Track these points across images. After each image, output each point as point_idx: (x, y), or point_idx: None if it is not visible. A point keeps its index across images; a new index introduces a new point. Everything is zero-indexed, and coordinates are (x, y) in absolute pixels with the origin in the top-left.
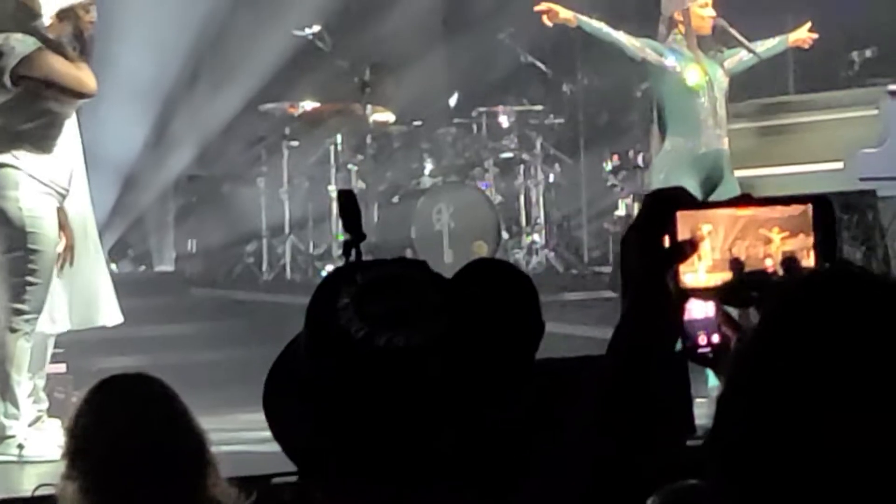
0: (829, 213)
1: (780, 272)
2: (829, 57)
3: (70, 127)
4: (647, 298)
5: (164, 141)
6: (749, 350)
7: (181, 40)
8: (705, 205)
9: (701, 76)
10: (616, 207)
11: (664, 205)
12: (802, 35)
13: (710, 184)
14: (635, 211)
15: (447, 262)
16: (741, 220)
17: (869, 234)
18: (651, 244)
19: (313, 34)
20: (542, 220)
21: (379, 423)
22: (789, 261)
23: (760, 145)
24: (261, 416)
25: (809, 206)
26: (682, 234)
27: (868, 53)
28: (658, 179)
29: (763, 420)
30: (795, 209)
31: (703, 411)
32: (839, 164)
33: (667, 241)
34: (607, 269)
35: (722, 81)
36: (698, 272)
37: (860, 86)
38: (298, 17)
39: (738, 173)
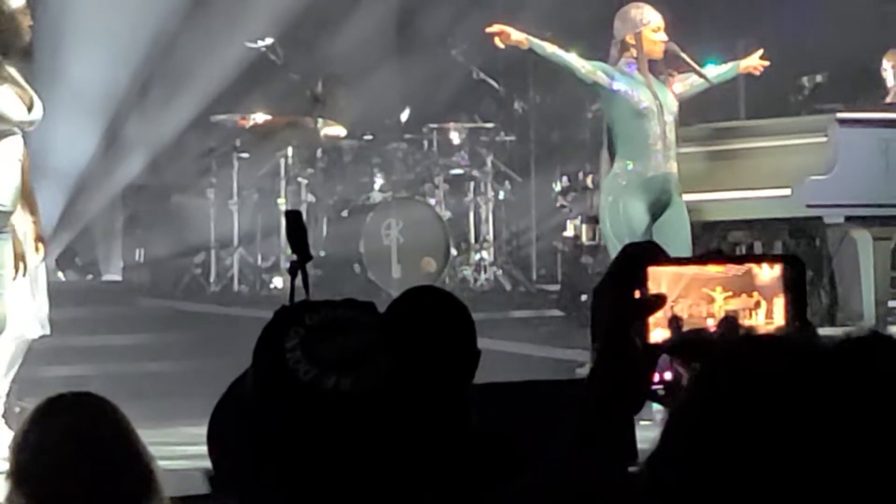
0: (800, 274)
1: (719, 331)
2: (779, 82)
3: (14, 142)
4: (613, 352)
5: (113, 150)
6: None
7: (133, 50)
8: (677, 261)
9: (651, 100)
10: (565, 228)
11: (636, 259)
12: (754, 62)
13: (659, 207)
14: (583, 232)
15: (395, 278)
16: (684, 278)
17: (815, 261)
18: (621, 297)
19: (266, 46)
20: (490, 237)
21: (324, 465)
22: (728, 321)
23: (710, 169)
24: (204, 431)
25: (778, 266)
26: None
27: (819, 79)
28: (607, 202)
29: (689, 486)
30: (740, 269)
31: (646, 434)
32: (787, 191)
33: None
34: (555, 288)
35: (672, 106)
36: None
37: (810, 111)
38: (252, 29)
39: (688, 197)
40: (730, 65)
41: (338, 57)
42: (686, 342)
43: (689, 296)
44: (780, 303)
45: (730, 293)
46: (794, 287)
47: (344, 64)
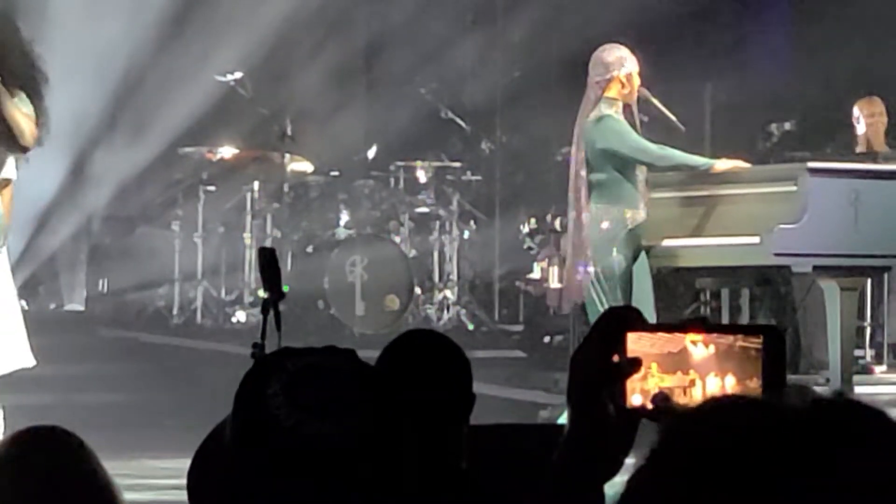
0: (779, 345)
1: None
2: (747, 128)
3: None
4: (588, 416)
5: (80, 180)
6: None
7: (103, 82)
8: (658, 327)
9: None
10: (531, 270)
11: (617, 325)
12: (729, 165)
13: (636, 256)
14: (550, 275)
15: (359, 315)
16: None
17: (781, 310)
18: (600, 361)
19: (235, 80)
20: (455, 276)
21: None
22: (661, 398)
23: (680, 215)
24: (167, 464)
25: (713, 345)
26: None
27: (787, 126)
28: (617, 253)
29: None
30: (675, 346)
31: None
32: (756, 239)
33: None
34: (517, 328)
35: None
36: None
37: (778, 158)
38: (221, 63)
39: (655, 243)
40: (709, 160)
41: (306, 93)
42: (666, 409)
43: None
44: (715, 381)
45: (664, 371)
46: (774, 358)
47: (312, 100)
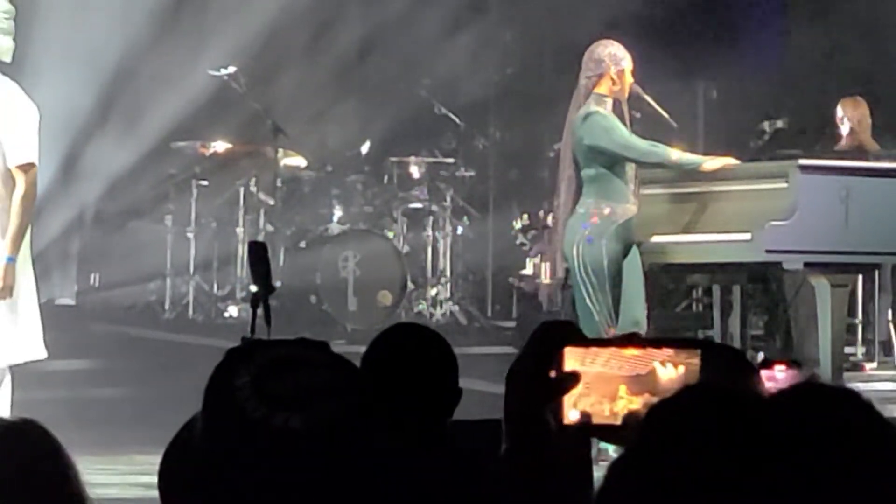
0: (716, 360)
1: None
2: (739, 126)
3: None
4: (526, 433)
5: (71, 174)
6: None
7: (95, 76)
8: (594, 342)
9: None
10: (523, 266)
11: (555, 338)
12: (718, 163)
13: (626, 252)
14: (542, 271)
15: (351, 310)
16: (588, 376)
17: (771, 306)
18: (537, 376)
19: (229, 75)
20: (447, 272)
21: (274, 502)
22: (632, 418)
23: (671, 212)
24: (158, 459)
25: (682, 366)
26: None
27: (779, 124)
28: (586, 241)
29: None
30: (643, 368)
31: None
32: (747, 235)
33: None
34: (510, 324)
35: None
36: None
37: (770, 156)
38: (214, 58)
39: (647, 239)
40: (698, 158)
41: (300, 87)
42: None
43: (592, 394)
44: None
45: (633, 393)
46: (711, 373)
47: (306, 95)
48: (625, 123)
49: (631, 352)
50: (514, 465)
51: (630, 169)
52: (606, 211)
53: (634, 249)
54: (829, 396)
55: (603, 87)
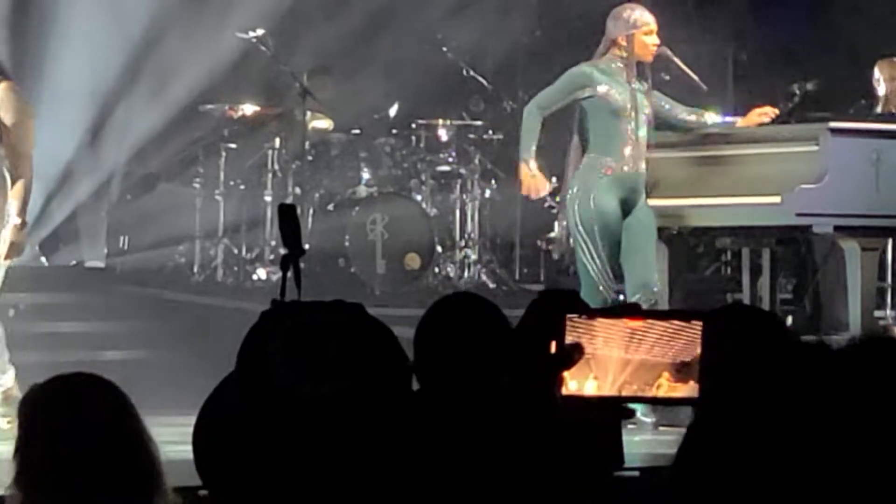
0: (716, 331)
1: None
2: (769, 88)
3: None
4: (530, 406)
5: (100, 137)
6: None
7: (122, 40)
8: (595, 312)
9: (629, 100)
10: (552, 229)
11: (554, 308)
12: (753, 119)
13: (629, 205)
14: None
15: (379, 273)
16: (631, 365)
17: (800, 269)
18: (540, 348)
19: (256, 37)
20: (475, 235)
21: (303, 469)
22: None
23: (700, 175)
24: (186, 421)
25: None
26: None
27: (809, 86)
28: (576, 194)
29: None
30: (688, 355)
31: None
32: (777, 198)
33: (553, 347)
34: (538, 288)
35: (646, 109)
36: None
37: (800, 118)
38: (243, 20)
39: (678, 202)
40: (730, 119)
41: (328, 50)
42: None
43: (635, 382)
44: None
45: (676, 380)
46: (711, 345)
47: (334, 57)
48: (646, 86)
49: (634, 355)
50: (520, 437)
51: (627, 122)
52: (597, 165)
53: (644, 210)
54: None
55: (609, 51)
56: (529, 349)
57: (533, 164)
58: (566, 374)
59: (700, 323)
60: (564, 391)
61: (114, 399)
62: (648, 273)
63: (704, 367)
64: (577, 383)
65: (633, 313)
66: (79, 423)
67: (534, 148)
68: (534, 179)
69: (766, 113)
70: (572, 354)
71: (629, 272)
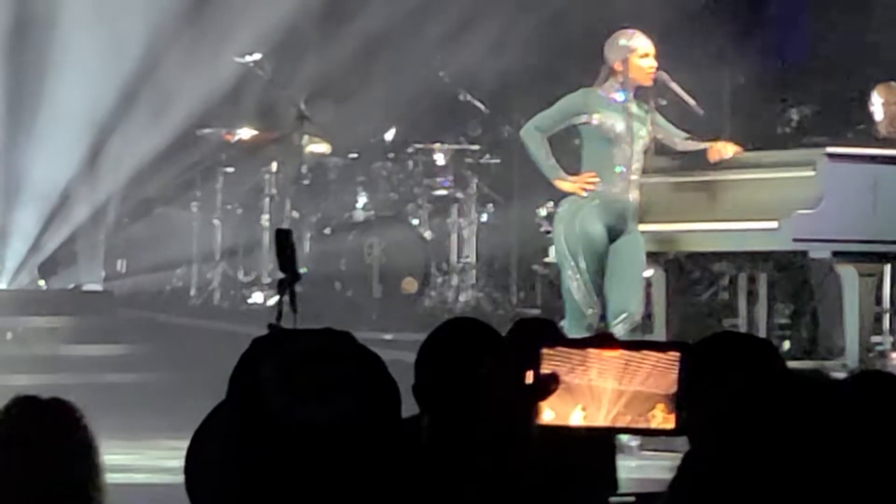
0: (700, 361)
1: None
2: (767, 113)
3: None
4: (507, 435)
5: (98, 161)
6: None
7: (118, 64)
8: (571, 342)
9: (625, 128)
10: (547, 253)
11: (530, 339)
12: (725, 150)
13: (616, 232)
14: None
15: (376, 297)
16: (625, 396)
17: (797, 295)
18: (515, 381)
19: (254, 62)
20: (472, 259)
21: (296, 496)
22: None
23: (698, 199)
24: (183, 444)
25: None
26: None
27: (807, 111)
28: (563, 217)
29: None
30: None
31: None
32: (774, 224)
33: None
34: (534, 312)
35: (644, 137)
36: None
37: (798, 143)
38: (240, 44)
39: (676, 227)
40: (704, 144)
41: (325, 74)
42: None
43: (629, 413)
44: None
45: (670, 412)
46: (693, 374)
47: (330, 82)
48: (645, 109)
49: (627, 386)
50: (495, 465)
51: (621, 149)
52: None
53: (633, 236)
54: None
55: (610, 78)
56: (505, 380)
57: (565, 175)
58: (543, 403)
59: (677, 353)
60: (541, 421)
61: (71, 421)
62: (630, 299)
63: (682, 396)
64: (556, 413)
65: (608, 344)
66: (25, 448)
67: (553, 162)
68: (578, 181)
69: (725, 150)
70: (548, 385)
71: (611, 297)
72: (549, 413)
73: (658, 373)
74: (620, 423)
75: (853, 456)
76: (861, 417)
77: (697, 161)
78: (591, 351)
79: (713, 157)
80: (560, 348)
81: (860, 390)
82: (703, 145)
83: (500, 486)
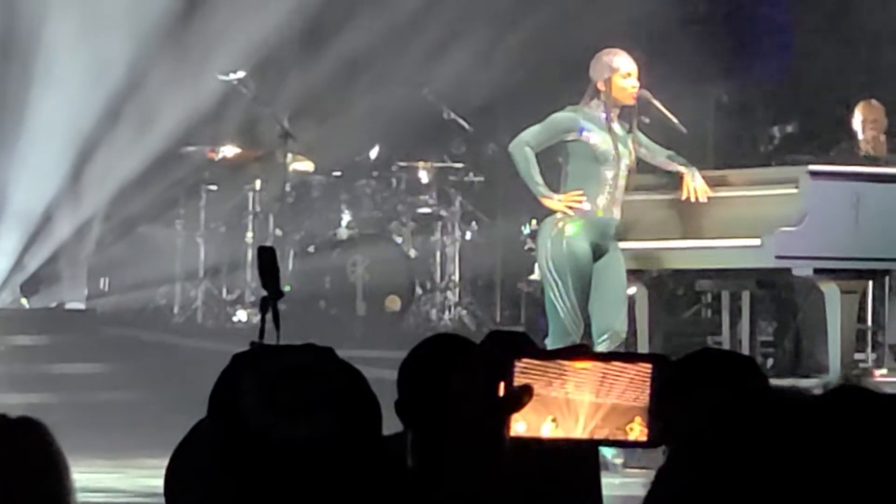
0: (665, 373)
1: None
2: (749, 131)
3: None
4: (476, 450)
5: (82, 179)
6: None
7: (102, 82)
8: (546, 354)
9: (610, 146)
10: (532, 271)
11: (503, 352)
12: (695, 186)
13: (600, 251)
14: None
15: (360, 315)
16: (602, 409)
17: (780, 312)
18: (487, 393)
19: (238, 80)
20: (456, 277)
21: None
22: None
23: (681, 217)
24: (165, 463)
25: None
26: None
27: (789, 129)
28: (549, 235)
29: None
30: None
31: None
32: (757, 241)
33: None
34: (519, 329)
35: (628, 155)
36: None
37: (780, 161)
38: (223, 62)
39: (659, 244)
40: (681, 168)
41: (308, 92)
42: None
43: (607, 427)
44: None
45: (649, 424)
46: (661, 387)
47: (314, 99)
48: (630, 128)
49: (604, 399)
50: (462, 482)
51: (606, 168)
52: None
53: (615, 254)
54: (875, 399)
55: (594, 97)
56: (474, 392)
57: (551, 193)
58: (516, 415)
59: (649, 365)
60: (512, 433)
61: (34, 447)
62: (614, 317)
63: (654, 409)
64: (529, 425)
65: (582, 355)
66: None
67: (540, 179)
68: (564, 200)
69: (696, 193)
70: (521, 397)
71: (595, 316)
72: (522, 425)
73: (635, 385)
74: (598, 436)
75: (828, 471)
76: (836, 432)
77: (680, 179)
78: (566, 363)
79: (684, 194)
80: (531, 360)
81: (835, 405)
82: (679, 168)
83: (474, 501)
